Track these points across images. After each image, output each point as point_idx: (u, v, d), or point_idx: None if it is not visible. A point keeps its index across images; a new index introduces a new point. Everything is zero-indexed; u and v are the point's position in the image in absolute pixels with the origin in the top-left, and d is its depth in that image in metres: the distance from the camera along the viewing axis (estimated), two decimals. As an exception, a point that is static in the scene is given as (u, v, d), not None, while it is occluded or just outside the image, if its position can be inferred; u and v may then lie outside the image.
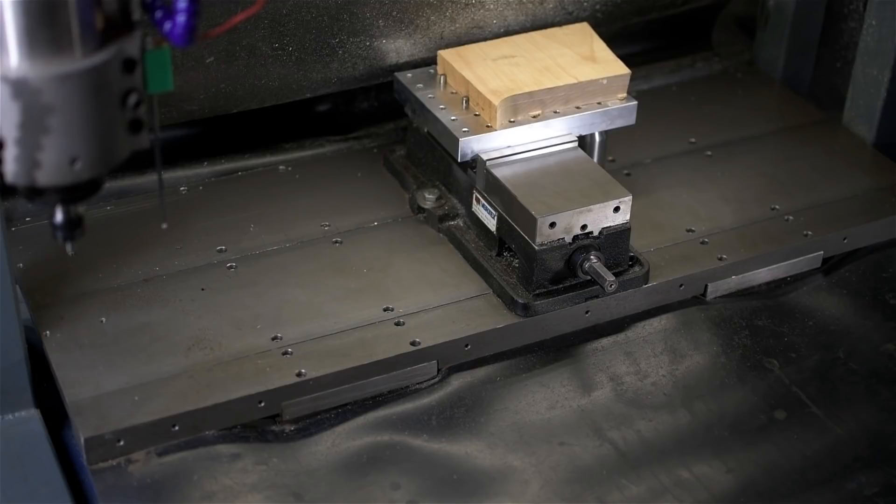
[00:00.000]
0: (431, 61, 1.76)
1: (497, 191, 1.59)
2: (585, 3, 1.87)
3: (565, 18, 1.85)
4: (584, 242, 1.55)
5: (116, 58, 1.12)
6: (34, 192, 1.16)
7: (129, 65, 1.13)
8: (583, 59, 1.68)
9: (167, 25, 1.13)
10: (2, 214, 1.39)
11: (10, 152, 1.11)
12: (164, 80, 1.16)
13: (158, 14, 1.13)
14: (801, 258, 1.71)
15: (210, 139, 1.83)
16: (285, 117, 1.86)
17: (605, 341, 1.59)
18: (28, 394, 1.47)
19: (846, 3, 2.01)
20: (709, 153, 1.86)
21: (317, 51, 1.73)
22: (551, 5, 1.84)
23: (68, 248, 1.21)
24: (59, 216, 1.19)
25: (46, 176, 1.13)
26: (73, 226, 1.19)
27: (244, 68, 1.70)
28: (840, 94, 1.97)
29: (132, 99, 1.14)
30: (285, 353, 1.49)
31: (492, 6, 1.80)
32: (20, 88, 1.08)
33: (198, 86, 1.71)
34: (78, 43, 1.10)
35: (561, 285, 1.57)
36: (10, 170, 1.12)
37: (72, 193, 1.17)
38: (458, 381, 1.52)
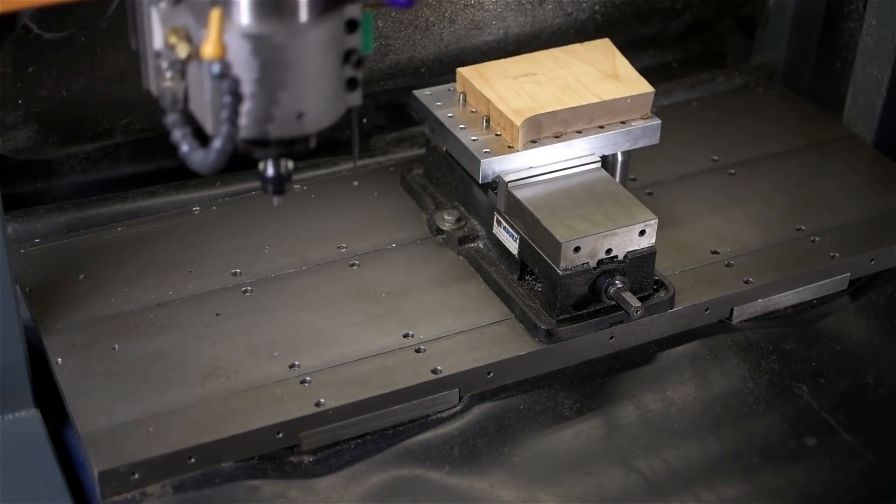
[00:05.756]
0: (431, 62, 1.73)
1: (519, 213, 1.55)
2: (584, 5, 1.85)
3: (564, 20, 1.84)
4: (609, 267, 1.51)
5: (342, 17, 1.16)
6: (254, 144, 1.18)
7: (351, 25, 1.18)
8: (605, 76, 1.65)
9: None
10: (1, 214, 1.36)
11: (245, 106, 1.14)
12: (368, 43, 1.20)
13: None
14: (828, 280, 1.68)
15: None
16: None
17: (630, 368, 1.56)
18: (28, 394, 1.45)
19: (846, 3, 2.00)
20: (732, 171, 1.83)
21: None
22: (550, 6, 1.82)
23: (275, 201, 1.24)
24: (270, 170, 1.21)
25: (276, 129, 1.16)
26: (284, 180, 1.22)
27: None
28: (840, 94, 1.96)
29: (354, 57, 1.19)
30: (303, 381, 1.45)
31: (491, 7, 1.78)
32: (261, 44, 1.12)
33: None
34: (310, 1, 1.14)
35: (585, 310, 1.53)
36: (243, 123, 1.14)
37: (291, 147, 1.20)
38: (480, 410, 1.49)
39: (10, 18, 1.42)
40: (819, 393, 1.55)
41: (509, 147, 1.58)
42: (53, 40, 1.57)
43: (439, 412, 1.48)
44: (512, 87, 1.63)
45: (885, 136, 1.89)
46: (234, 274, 1.61)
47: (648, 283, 1.56)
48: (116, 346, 1.49)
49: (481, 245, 1.64)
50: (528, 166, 1.58)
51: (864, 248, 1.70)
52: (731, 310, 1.63)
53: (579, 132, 1.60)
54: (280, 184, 1.22)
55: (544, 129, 1.59)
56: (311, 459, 1.42)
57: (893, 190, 1.80)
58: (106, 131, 1.75)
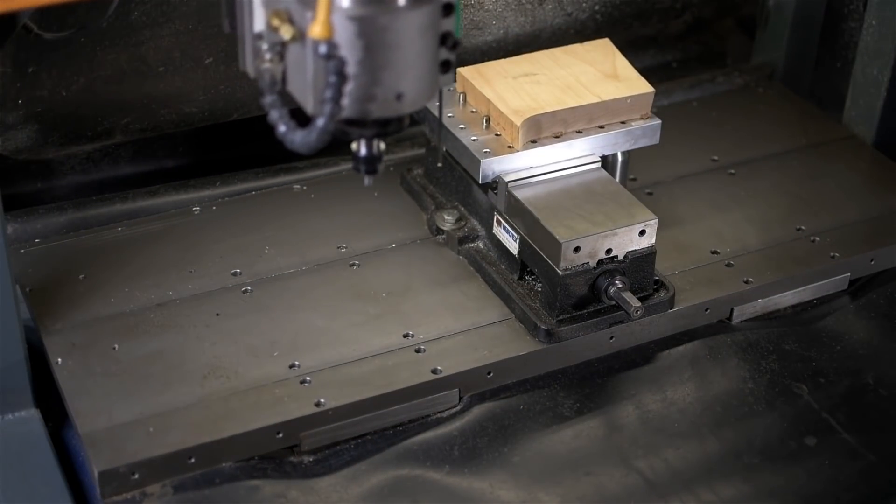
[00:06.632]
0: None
1: (519, 213, 1.55)
2: (584, 5, 1.85)
3: (564, 20, 1.84)
4: (609, 267, 1.51)
5: (440, 1, 1.20)
6: (352, 124, 1.21)
7: (447, 9, 1.21)
8: (605, 76, 1.65)
9: None
10: (1, 214, 1.36)
11: (347, 86, 1.16)
12: (459, 28, 1.24)
13: None
14: (828, 280, 1.68)
15: (223, 158, 1.80)
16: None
17: (630, 368, 1.55)
18: (28, 394, 1.45)
19: (846, 3, 2.00)
20: (732, 171, 1.82)
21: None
22: (550, 6, 1.82)
23: (366, 180, 1.26)
24: (363, 150, 1.24)
25: (375, 109, 1.19)
26: (376, 160, 1.25)
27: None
28: (840, 94, 1.96)
29: (450, 41, 1.22)
30: (303, 381, 1.45)
31: (491, 6, 1.78)
32: (365, 26, 1.14)
33: (196, 87, 1.69)
34: None
35: (585, 310, 1.53)
36: (345, 103, 1.16)
37: (385, 127, 1.23)
38: (480, 410, 1.49)
39: (10, 18, 1.42)
40: (819, 393, 1.55)
41: (509, 147, 1.58)
42: (53, 40, 1.57)
43: (439, 412, 1.48)
44: (512, 87, 1.63)
45: (885, 136, 1.89)
46: (234, 274, 1.61)
47: (648, 283, 1.56)
48: (116, 346, 1.49)
49: (481, 245, 1.64)
50: (528, 166, 1.58)
51: (864, 248, 1.69)
52: (731, 310, 1.62)
53: (579, 132, 1.60)
54: (373, 163, 1.24)
55: (544, 129, 1.59)
56: (311, 459, 1.42)
57: (893, 190, 1.80)
58: (106, 131, 1.75)
